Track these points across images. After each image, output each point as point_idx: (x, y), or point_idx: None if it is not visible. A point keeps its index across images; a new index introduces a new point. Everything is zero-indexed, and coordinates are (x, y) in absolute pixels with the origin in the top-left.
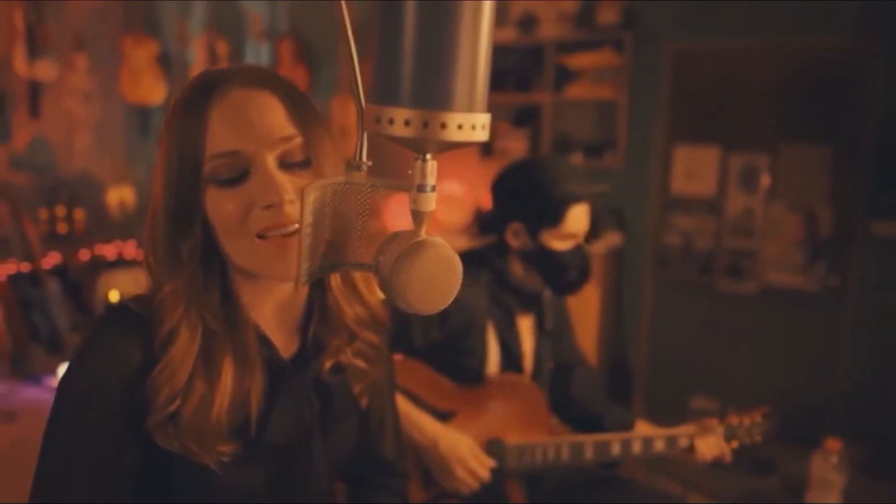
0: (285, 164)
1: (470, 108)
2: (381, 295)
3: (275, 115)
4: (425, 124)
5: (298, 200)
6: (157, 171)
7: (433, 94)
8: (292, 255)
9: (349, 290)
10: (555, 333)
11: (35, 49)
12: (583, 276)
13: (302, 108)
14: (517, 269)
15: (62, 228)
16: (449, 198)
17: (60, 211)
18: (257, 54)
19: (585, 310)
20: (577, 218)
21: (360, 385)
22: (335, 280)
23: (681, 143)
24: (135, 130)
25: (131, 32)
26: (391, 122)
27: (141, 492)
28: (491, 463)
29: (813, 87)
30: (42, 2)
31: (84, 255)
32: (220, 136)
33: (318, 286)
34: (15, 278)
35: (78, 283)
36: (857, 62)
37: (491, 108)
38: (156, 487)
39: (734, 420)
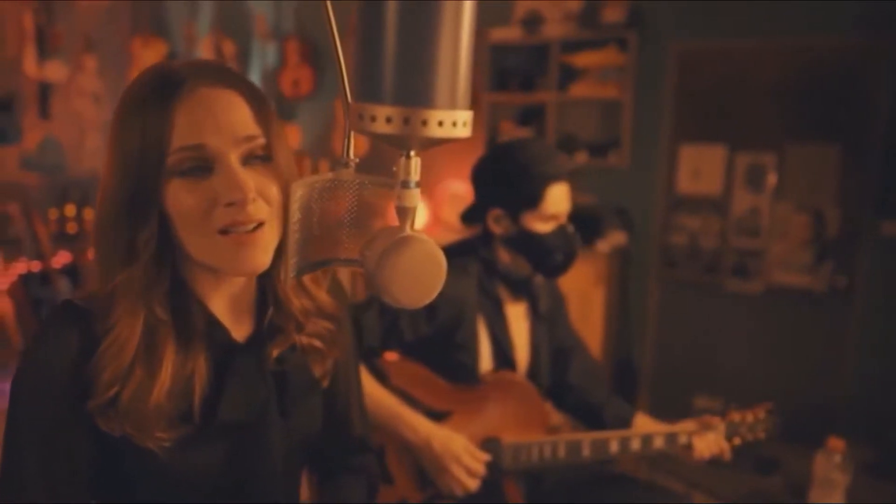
0: (248, 163)
1: (451, 105)
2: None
3: (241, 114)
4: (406, 121)
5: (260, 199)
6: (109, 164)
7: (414, 91)
8: (251, 252)
9: (296, 282)
10: (549, 317)
11: (45, 50)
12: (568, 257)
13: (264, 109)
14: (504, 256)
15: (72, 228)
16: (454, 197)
17: (70, 211)
18: (263, 55)
19: (591, 309)
20: (557, 198)
21: (321, 367)
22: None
23: (686, 143)
24: None
25: (140, 33)
26: (373, 118)
27: (98, 486)
28: (485, 457)
29: (818, 87)
30: (52, 3)
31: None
32: (185, 131)
33: (269, 275)
34: (26, 277)
35: (87, 283)
36: (862, 62)
37: (495, 107)
38: (113, 482)
39: (736, 417)
